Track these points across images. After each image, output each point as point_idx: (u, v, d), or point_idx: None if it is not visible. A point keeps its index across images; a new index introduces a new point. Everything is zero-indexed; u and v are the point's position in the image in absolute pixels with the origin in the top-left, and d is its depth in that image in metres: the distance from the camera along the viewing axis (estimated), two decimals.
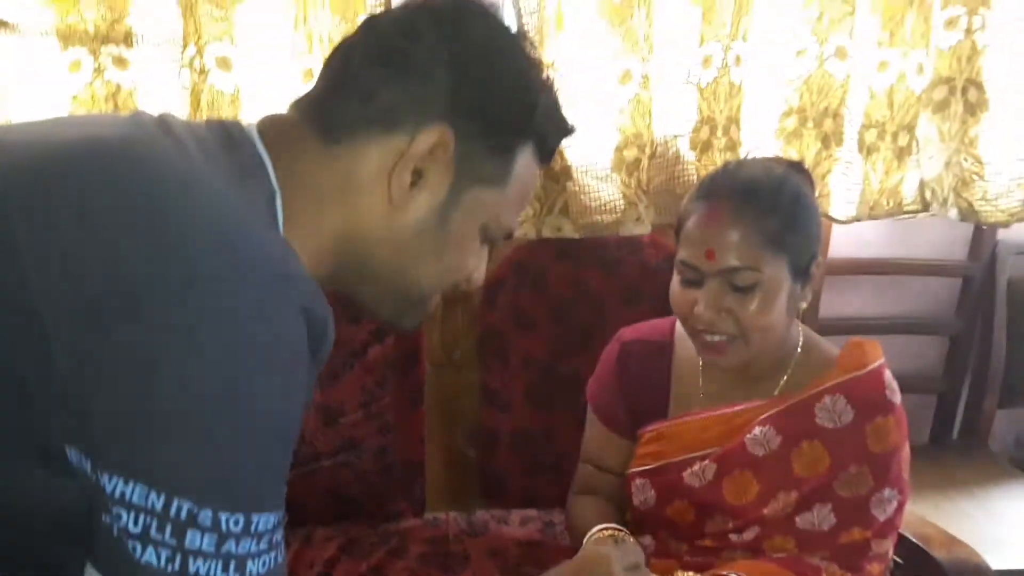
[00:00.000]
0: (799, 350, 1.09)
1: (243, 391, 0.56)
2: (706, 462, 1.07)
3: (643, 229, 1.43)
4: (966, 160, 1.58)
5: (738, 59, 1.45)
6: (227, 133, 0.68)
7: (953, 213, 1.59)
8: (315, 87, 0.74)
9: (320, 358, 0.64)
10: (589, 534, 1.04)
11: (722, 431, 1.07)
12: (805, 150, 1.52)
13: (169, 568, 0.55)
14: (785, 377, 1.08)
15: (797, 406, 1.05)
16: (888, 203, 1.58)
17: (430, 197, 0.71)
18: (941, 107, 1.57)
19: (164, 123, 0.68)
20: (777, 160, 1.13)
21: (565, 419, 1.46)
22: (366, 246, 0.72)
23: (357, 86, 0.70)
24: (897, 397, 1.06)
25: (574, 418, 1.43)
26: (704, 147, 1.48)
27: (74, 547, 0.61)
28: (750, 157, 1.11)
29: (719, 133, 1.48)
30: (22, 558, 0.62)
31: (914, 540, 1.21)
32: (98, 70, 1.34)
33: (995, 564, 1.21)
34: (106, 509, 0.55)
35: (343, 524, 1.44)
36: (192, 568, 0.55)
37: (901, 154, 1.56)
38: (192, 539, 0.55)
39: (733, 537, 1.07)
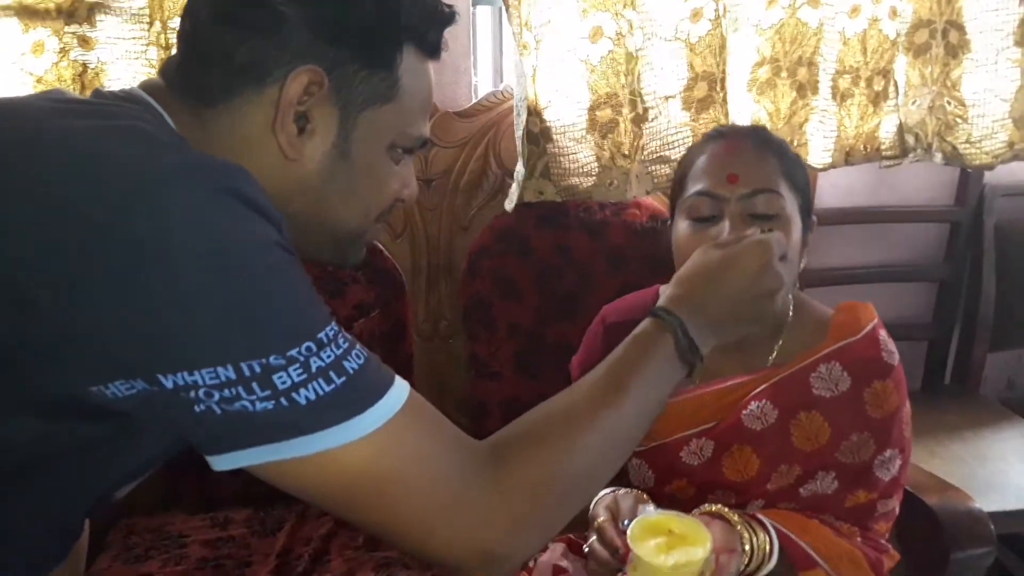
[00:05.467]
0: (791, 314, 1.05)
1: (229, 256, 0.57)
2: (703, 439, 1.03)
3: (618, 196, 1.40)
4: (949, 103, 1.56)
5: (725, 10, 1.41)
6: (123, 96, 0.68)
7: (938, 157, 1.58)
8: (176, 54, 0.72)
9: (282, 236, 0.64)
10: (597, 496, 1.00)
11: (717, 407, 1.03)
12: (780, 100, 1.50)
13: (283, 406, 0.57)
14: (779, 344, 1.04)
15: (792, 377, 1.01)
16: (865, 149, 1.57)
17: (322, 138, 0.69)
18: (922, 51, 1.55)
19: (57, 92, 0.68)
20: None
21: (555, 386, 1.43)
22: (277, 203, 0.69)
23: (212, 49, 0.68)
24: (895, 358, 1.02)
25: (564, 385, 1.40)
26: (702, 105, 1.43)
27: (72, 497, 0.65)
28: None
29: (718, 88, 1.43)
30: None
31: (908, 488, 1.20)
32: (63, 51, 1.31)
33: (988, 506, 1.21)
34: (190, 403, 0.57)
35: None
36: (301, 398, 0.58)
37: (877, 99, 1.54)
38: (281, 380, 0.57)
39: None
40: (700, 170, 1.00)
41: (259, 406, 0.57)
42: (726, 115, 1.44)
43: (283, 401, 0.57)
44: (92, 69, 1.32)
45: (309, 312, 0.60)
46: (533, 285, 1.45)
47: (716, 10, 1.40)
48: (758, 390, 1.02)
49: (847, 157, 1.55)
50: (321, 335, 0.59)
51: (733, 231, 0.94)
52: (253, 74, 0.67)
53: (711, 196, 0.97)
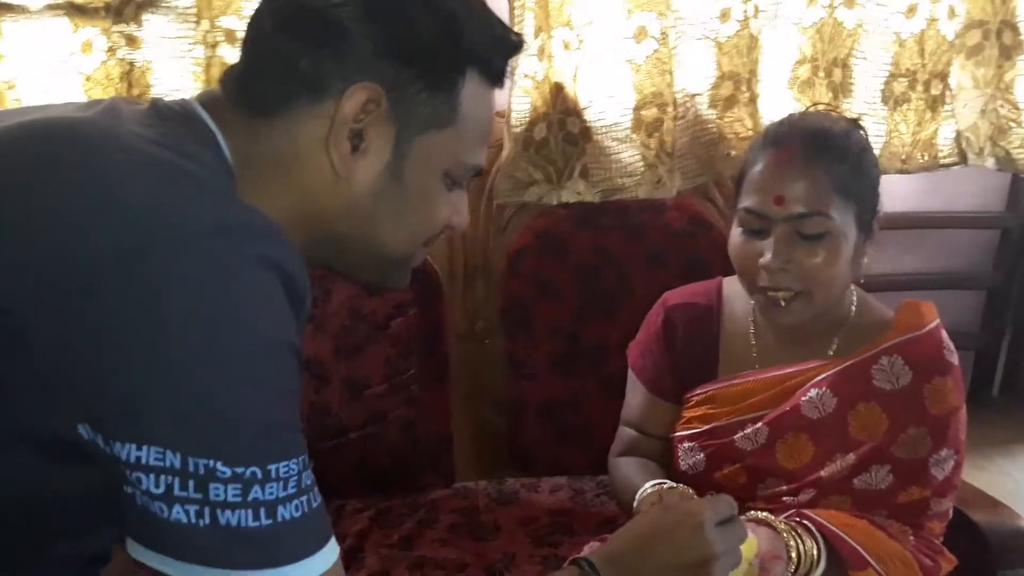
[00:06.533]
0: (853, 311, 1.07)
1: (219, 348, 0.55)
2: (759, 425, 1.05)
3: (665, 192, 1.40)
4: (1002, 107, 1.52)
5: (756, 10, 1.41)
6: (179, 110, 0.67)
7: (990, 163, 1.55)
8: (238, 62, 0.70)
9: (303, 310, 0.63)
10: (641, 490, 1.02)
11: (775, 393, 1.05)
12: (818, 100, 1.48)
13: (200, 523, 0.55)
14: (839, 338, 1.06)
15: (854, 367, 1.03)
16: (923, 156, 1.53)
17: (376, 158, 0.67)
18: (975, 52, 1.52)
19: (113, 107, 0.67)
20: (836, 115, 1.12)
21: (592, 387, 1.45)
22: (325, 221, 0.69)
23: (273, 58, 0.67)
24: (955, 357, 1.04)
25: (601, 386, 1.42)
26: (727, 103, 1.44)
27: (95, 534, 0.62)
28: (811, 110, 1.11)
29: (743, 88, 1.44)
30: (46, 552, 0.63)
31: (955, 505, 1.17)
32: (111, 49, 1.33)
33: None
34: (126, 479, 0.55)
35: (374, 496, 1.44)
36: (223, 520, 0.55)
37: (935, 104, 1.51)
38: (216, 491, 0.55)
39: (787, 499, 1.05)
40: (752, 182, 1.01)
41: (175, 515, 0.54)
42: (751, 114, 1.43)
43: (205, 514, 0.54)
44: (138, 68, 1.34)
45: (276, 438, 0.57)
46: (571, 286, 1.45)
47: (745, 11, 1.39)
48: (819, 378, 1.03)
49: (903, 164, 1.53)
50: (273, 467, 0.56)
51: (777, 254, 0.97)
52: (311, 86, 0.65)
53: (759, 215, 0.98)
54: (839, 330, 1.06)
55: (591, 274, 1.44)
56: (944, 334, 1.04)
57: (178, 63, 1.33)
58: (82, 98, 1.32)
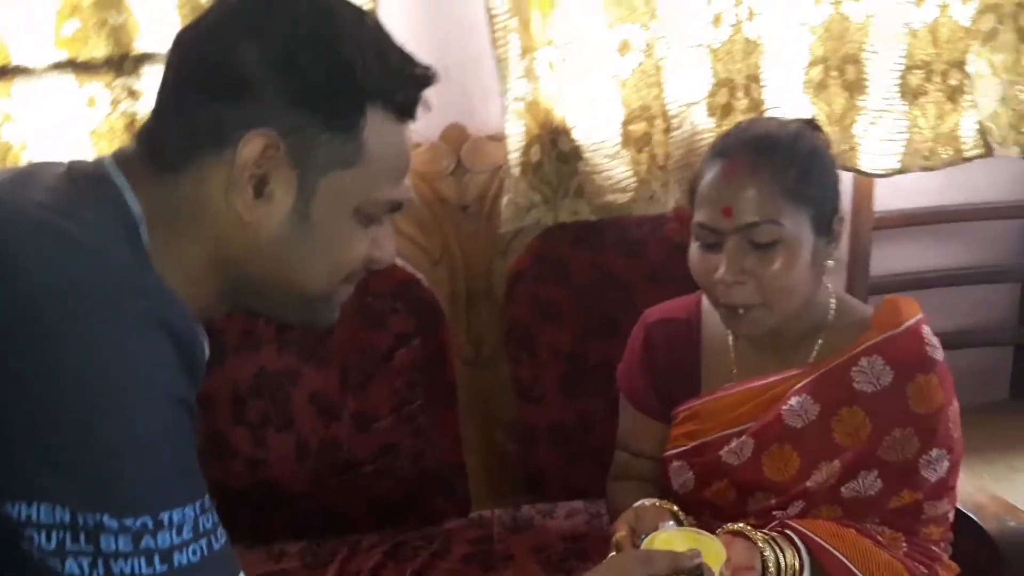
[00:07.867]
0: (832, 314, 1.04)
1: (101, 405, 0.57)
2: (743, 438, 1.03)
3: (660, 208, 1.38)
4: (1022, 92, 1.46)
5: (751, 13, 1.38)
6: (90, 171, 0.68)
7: (1015, 151, 1.48)
8: (149, 117, 0.72)
9: (196, 367, 0.64)
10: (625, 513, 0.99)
11: (757, 404, 1.03)
12: (833, 101, 1.45)
13: (94, 574, 0.56)
14: (819, 343, 1.03)
15: (833, 372, 1.00)
16: (946, 151, 1.47)
17: (281, 203, 0.68)
18: (990, 37, 1.46)
19: (30, 172, 0.69)
20: (788, 119, 1.09)
21: (600, 408, 1.42)
22: (238, 267, 0.70)
23: (176, 110, 0.68)
24: (939, 353, 1.01)
25: (609, 406, 1.38)
26: (724, 111, 1.42)
27: None
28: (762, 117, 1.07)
29: (739, 94, 1.41)
30: None
31: (964, 511, 1.11)
32: (114, 102, 1.37)
33: None
34: (21, 537, 0.57)
35: (389, 529, 1.44)
36: (116, 569, 0.56)
37: (954, 95, 1.45)
38: (107, 543, 0.56)
39: (777, 514, 1.02)
40: (703, 195, 0.99)
41: (68, 568, 0.56)
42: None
43: (99, 565, 0.56)
44: (140, 119, 1.38)
45: (165, 487, 0.59)
46: (573, 307, 1.43)
47: (737, 14, 1.36)
48: (799, 385, 1.01)
49: (925, 161, 1.47)
50: (165, 515, 0.58)
51: (730, 267, 0.95)
52: (213, 137, 0.66)
53: (710, 229, 0.97)
54: (819, 335, 1.04)
55: (592, 294, 1.42)
56: (926, 330, 1.01)
57: None
58: (90, 152, 1.36)
